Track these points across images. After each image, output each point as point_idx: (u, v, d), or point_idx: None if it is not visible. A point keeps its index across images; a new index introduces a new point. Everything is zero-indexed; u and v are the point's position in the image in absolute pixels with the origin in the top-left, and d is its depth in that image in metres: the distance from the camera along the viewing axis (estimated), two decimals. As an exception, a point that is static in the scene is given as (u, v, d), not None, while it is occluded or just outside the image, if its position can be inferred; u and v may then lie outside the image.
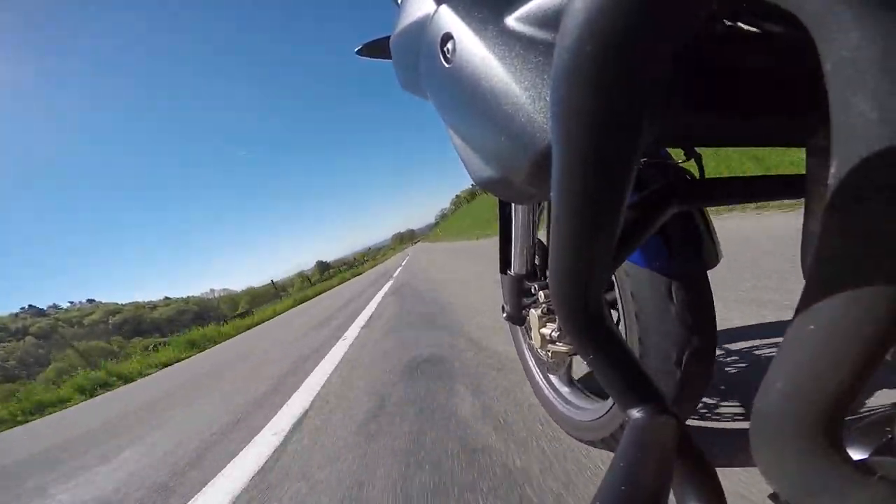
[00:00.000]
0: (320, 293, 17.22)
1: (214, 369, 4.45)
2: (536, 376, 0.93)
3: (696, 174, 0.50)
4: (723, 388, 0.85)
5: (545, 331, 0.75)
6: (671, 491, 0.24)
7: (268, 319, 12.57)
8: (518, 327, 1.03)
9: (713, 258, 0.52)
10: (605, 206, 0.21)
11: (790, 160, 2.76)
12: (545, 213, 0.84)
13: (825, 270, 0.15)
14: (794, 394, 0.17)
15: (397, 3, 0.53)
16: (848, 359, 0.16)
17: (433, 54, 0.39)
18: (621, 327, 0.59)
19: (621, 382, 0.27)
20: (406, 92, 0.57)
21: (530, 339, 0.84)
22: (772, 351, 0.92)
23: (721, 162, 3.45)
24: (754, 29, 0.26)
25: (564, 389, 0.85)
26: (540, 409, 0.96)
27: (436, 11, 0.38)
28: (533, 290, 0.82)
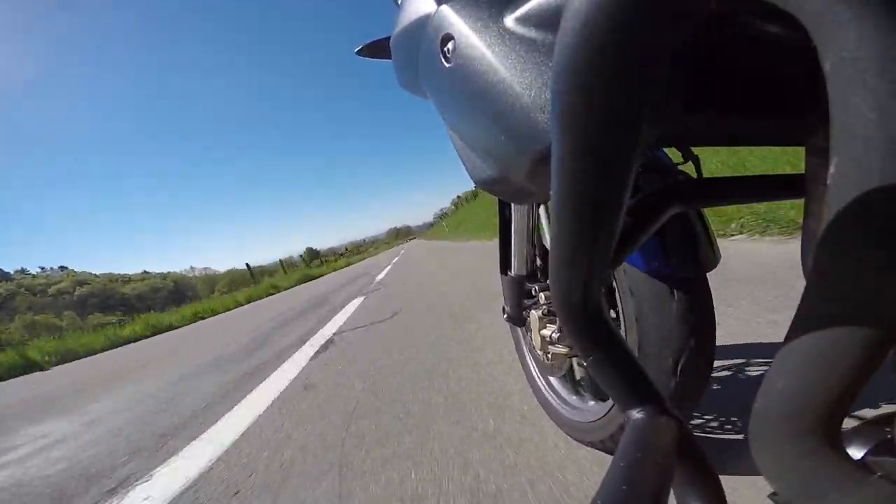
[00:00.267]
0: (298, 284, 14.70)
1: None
2: (536, 378, 0.93)
3: (694, 176, 0.50)
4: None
5: (545, 332, 0.75)
6: (671, 491, 0.24)
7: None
8: (518, 329, 1.03)
9: (712, 260, 0.53)
10: (604, 206, 0.21)
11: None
12: (544, 214, 0.84)
13: (825, 270, 0.15)
14: (794, 394, 0.17)
15: (397, 4, 0.53)
16: (848, 359, 0.16)
17: (433, 54, 0.39)
18: (621, 328, 0.59)
19: (621, 383, 0.27)
20: (406, 91, 0.57)
21: (530, 340, 0.84)
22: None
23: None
24: (754, 29, 0.26)
25: (564, 391, 0.85)
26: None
27: (436, 12, 0.38)
28: (533, 292, 0.82)
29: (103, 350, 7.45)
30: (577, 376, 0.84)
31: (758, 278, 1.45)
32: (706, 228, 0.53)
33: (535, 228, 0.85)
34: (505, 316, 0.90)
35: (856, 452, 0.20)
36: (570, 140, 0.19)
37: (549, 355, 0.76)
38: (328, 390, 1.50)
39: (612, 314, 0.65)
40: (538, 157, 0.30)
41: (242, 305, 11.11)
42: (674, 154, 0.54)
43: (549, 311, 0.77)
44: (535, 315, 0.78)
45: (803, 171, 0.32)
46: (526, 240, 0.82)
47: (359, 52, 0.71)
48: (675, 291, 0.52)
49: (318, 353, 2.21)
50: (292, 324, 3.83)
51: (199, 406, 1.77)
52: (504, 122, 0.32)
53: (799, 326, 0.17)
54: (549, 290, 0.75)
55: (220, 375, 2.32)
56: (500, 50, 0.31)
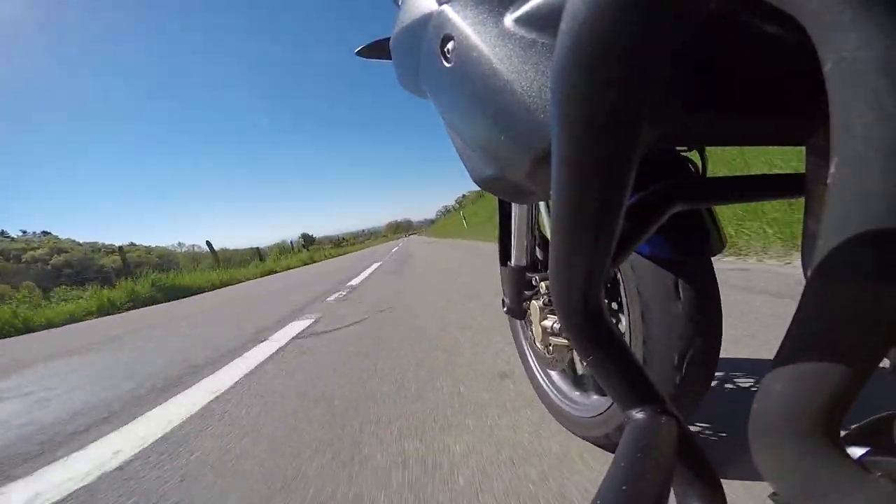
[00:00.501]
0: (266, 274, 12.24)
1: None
2: (536, 372, 0.92)
3: (699, 167, 0.50)
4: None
5: (547, 323, 0.74)
6: (672, 491, 0.24)
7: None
8: (517, 322, 1.02)
9: (717, 246, 0.52)
10: (604, 205, 0.21)
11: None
12: (544, 205, 0.84)
13: (825, 270, 0.15)
14: (794, 394, 0.17)
15: (397, 4, 0.53)
16: (847, 359, 0.16)
17: (433, 55, 0.39)
18: (623, 320, 0.59)
19: (621, 383, 0.27)
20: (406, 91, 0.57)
21: (530, 333, 0.83)
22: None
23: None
24: (754, 29, 0.26)
25: (564, 385, 0.85)
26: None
27: (436, 12, 0.38)
28: (534, 282, 0.82)
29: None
30: (578, 371, 0.84)
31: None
32: (711, 212, 0.53)
33: (535, 218, 0.85)
34: (504, 308, 0.90)
35: (856, 452, 0.20)
36: (570, 140, 0.19)
37: (551, 347, 0.75)
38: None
39: (615, 306, 0.65)
40: (538, 157, 0.30)
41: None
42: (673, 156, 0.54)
43: (550, 300, 0.77)
44: (535, 305, 0.78)
45: (803, 171, 0.32)
46: (526, 230, 0.81)
47: (359, 53, 0.71)
48: (679, 276, 0.52)
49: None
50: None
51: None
52: (504, 121, 0.32)
53: (799, 327, 0.17)
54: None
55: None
56: (500, 50, 0.31)
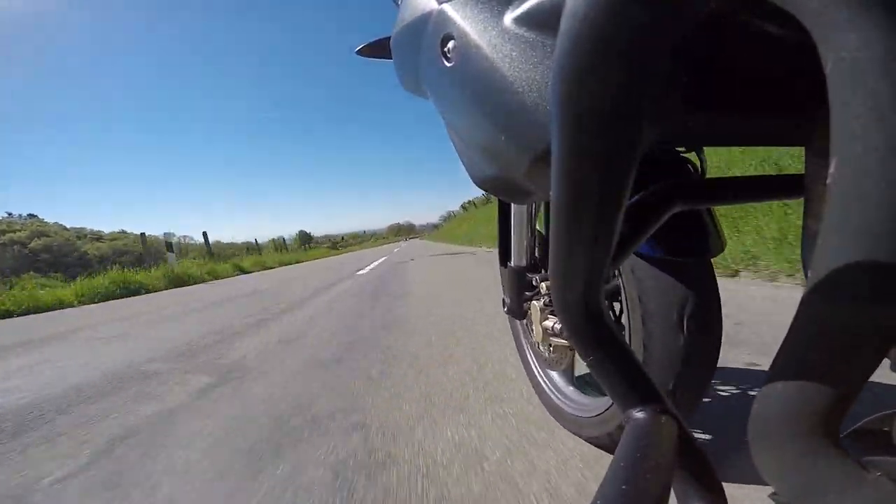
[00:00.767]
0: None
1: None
2: (536, 373, 0.92)
3: (699, 167, 0.50)
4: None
5: (547, 323, 0.74)
6: (672, 491, 0.24)
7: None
8: (517, 323, 1.02)
9: (717, 246, 0.52)
10: (604, 205, 0.21)
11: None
12: (543, 205, 0.84)
13: (825, 270, 0.15)
14: (794, 394, 0.17)
15: (397, 3, 0.53)
16: (847, 358, 0.16)
17: (434, 54, 0.39)
18: (623, 317, 0.59)
19: (621, 383, 0.27)
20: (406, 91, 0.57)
21: (531, 333, 0.83)
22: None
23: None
24: (754, 29, 0.26)
25: (564, 386, 0.85)
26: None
27: (436, 11, 0.38)
28: (534, 283, 0.82)
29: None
30: (578, 371, 0.84)
31: None
32: (711, 213, 0.53)
33: (534, 219, 0.85)
34: (505, 308, 0.90)
35: (856, 452, 0.20)
36: (570, 139, 0.19)
37: (551, 347, 0.75)
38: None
39: (614, 312, 0.65)
40: (538, 157, 0.30)
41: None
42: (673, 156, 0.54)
43: (550, 301, 0.77)
44: (536, 306, 0.78)
45: (803, 172, 0.32)
46: (526, 230, 0.81)
47: (359, 52, 0.71)
48: (679, 277, 0.52)
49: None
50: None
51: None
52: (504, 121, 0.32)
53: (799, 326, 0.17)
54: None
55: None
56: (500, 49, 0.31)
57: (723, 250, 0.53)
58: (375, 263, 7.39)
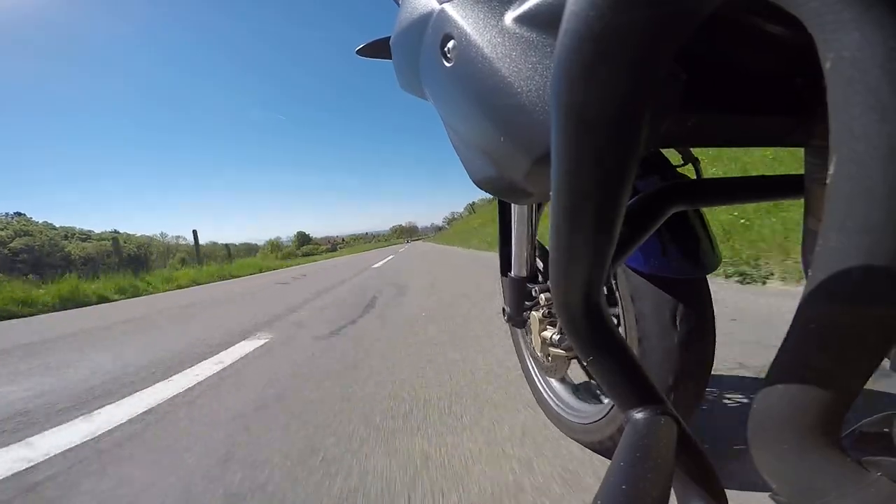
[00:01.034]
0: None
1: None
2: (536, 379, 0.93)
3: (694, 177, 0.50)
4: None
5: (546, 334, 0.75)
6: (672, 491, 0.24)
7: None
8: (518, 330, 1.03)
9: (712, 262, 0.53)
10: (604, 206, 0.21)
11: None
12: (544, 216, 0.84)
13: (825, 270, 0.15)
14: (794, 393, 0.17)
15: (397, 3, 0.53)
16: (847, 358, 0.16)
17: (434, 54, 0.39)
18: (621, 329, 0.59)
19: (621, 383, 0.27)
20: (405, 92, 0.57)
21: (530, 342, 0.84)
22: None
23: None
24: (754, 29, 0.26)
25: (564, 393, 0.85)
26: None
27: (436, 12, 0.38)
28: (534, 293, 0.82)
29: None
30: (577, 378, 0.84)
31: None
32: (706, 229, 0.54)
33: (535, 229, 0.85)
34: (505, 317, 0.90)
35: (856, 452, 0.20)
36: (570, 140, 0.19)
37: (550, 357, 0.76)
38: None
39: (612, 314, 0.65)
40: (538, 157, 0.30)
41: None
42: (673, 156, 0.54)
43: (549, 312, 0.77)
44: (535, 316, 0.78)
45: (803, 172, 0.32)
46: (526, 241, 0.82)
47: (359, 52, 0.71)
48: (675, 292, 0.52)
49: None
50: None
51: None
52: (504, 121, 0.32)
53: (799, 326, 0.17)
54: (549, 291, 0.75)
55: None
56: (500, 50, 0.31)
57: (717, 267, 0.53)
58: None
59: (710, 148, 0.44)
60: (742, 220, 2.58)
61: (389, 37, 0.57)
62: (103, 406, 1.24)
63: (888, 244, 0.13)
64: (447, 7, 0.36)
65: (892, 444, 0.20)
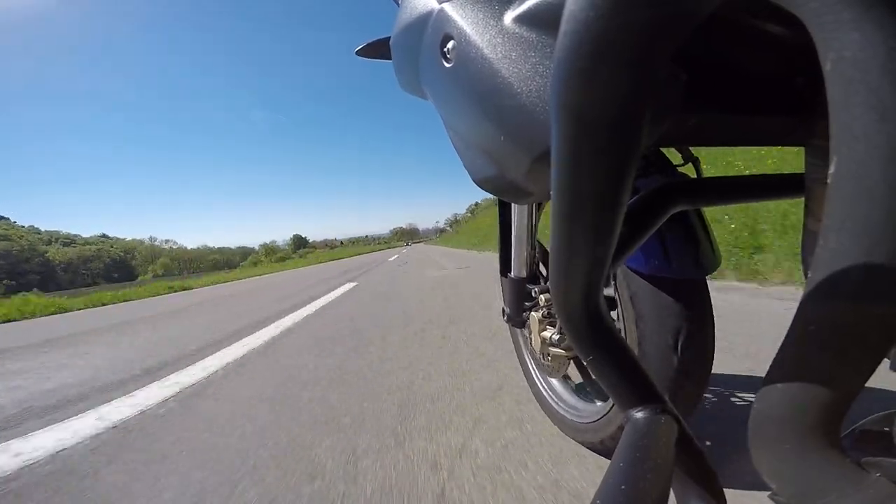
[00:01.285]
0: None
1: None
2: (536, 379, 0.93)
3: (694, 177, 0.50)
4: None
5: (546, 334, 0.75)
6: (671, 491, 0.24)
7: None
8: (518, 330, 1.03)
9: (712, 262, 0.53)
10: (604, 205, 0.21)
11: None
12: (544, 217, 0.84)
13: (825, 270, 0.15)
14: (794, 393, 0.17)
15: (397, 3, 0.52)
16: (847, 358, 0.16)
17: (433, 54, 0.39)
18: (621, 329, 0.59)
19: (621, 383, 0.27)
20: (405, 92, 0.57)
21: (530, 342, 0.84)
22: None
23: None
24: (754, 29, 0.26)
25: (564, 392, 0.85)
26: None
27: (436, 12, 0.38)
28: (533, 294, 0.82)
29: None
30: (577, 378, 0.84)
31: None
32: (706, 230, 0.54)
33: (535, 230, 0.85)
34: (505, 317, 0.90)
35: (855, 452, 0.20)
36: (570, 140, 0.19)
37: (549, 357, 0.76)
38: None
39: (612, 315, 0.65)
40: (538, 157, 0.30)
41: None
42: (673, 155, 0.54)
43: (549, 312, 0.77)
44: (535, 317, 0.78)
45: (803, 171, 0.32)
46: (526, 241, 0.82)
47: (359, 52, 0.71)
48: (675, 293, 0.52)
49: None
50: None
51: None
52: (504, 121, 0.32)
53: (799, 326, 0.17)
54: (549, 291, 0.75)
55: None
56: (500, 50, 0.31)
57: (717, 267, 0.53)
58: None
59: (708, 149, 0.44)
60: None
61: (389, 37, 0.57)
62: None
63: (888, 244, 0.13)
64: (447, 7, 0.36)
65: (892, 443, 0.20)
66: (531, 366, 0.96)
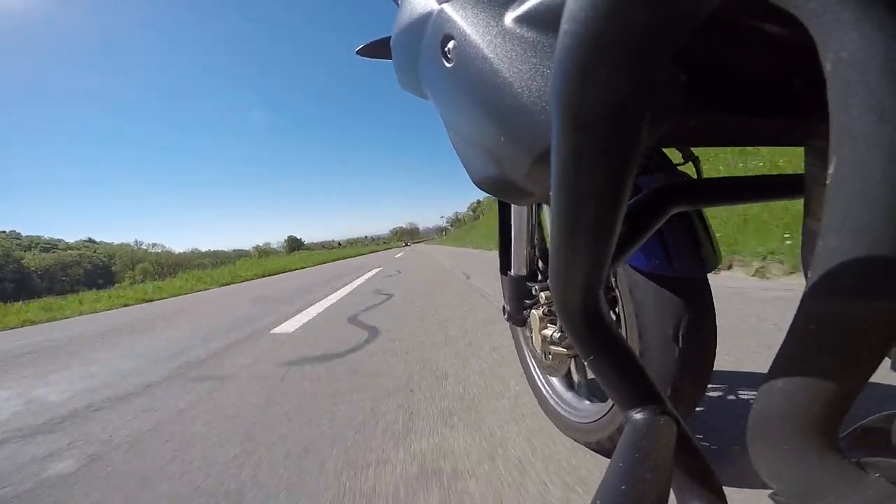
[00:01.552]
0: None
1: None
2: (536, 378, 0.93)
3: (694, 177, 0.50)
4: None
5: (546, 332, 0.75)
6: (671, 491, 0.24)
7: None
8: (518, 329, 1.03)
9: (713, 261, 0.53)
10: (604, 206, 0.21)
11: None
12: (545, 213, 0.84)
13: (825, 270, 0.15)
14: (794, 393, 0.17)
15: (397, 3, 0.52)
16: (847, 358, 0.16)
17: (434, 54, 0.39)
18: (621, 329, 0.59)
19: (621, 383, 0.27)
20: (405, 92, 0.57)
21: (531, 340, 0.84)
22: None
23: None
24: (754, 29, 0.26)
25: (564, 391, 0.85)
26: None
27: (436, 12, 0.38)
28: (534, 292, 0.82)
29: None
30: (577, 377, 0.84)
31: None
32: (707, 228, 0.54)
33: (535, 228, 0.85)
34: (505, 316, 0.90)
35: (855, 452, 0.20)
36: (570, 140, 0.19)
37: (550, 355, 0.76)
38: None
39: (612, 315, 0.65)
40: (538, 157, 0.30)
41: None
42: (674, 155, 0.54)
43: (549, 310, 0.77)
44: (535, 315, 0.78)
45: (803, 171, 0.32)
46: (526, 240, 0.82)
47: (359, 52, 0.71)
48: (675, 291, 0.52)
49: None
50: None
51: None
52: (504, 122, 0.32)
53: (799, 326, 0.17)
54: (549, 289, 0.75)
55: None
56: (500, 50, 0.31)
57: (717, 266, 0.53)
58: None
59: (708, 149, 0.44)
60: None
61: (389, 37, 0.57)
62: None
63: (888, 244, 0.13)
64: (447, 7, 0.36)
65: (891, 444, 0.20)
66: (532, 364, 0.96)
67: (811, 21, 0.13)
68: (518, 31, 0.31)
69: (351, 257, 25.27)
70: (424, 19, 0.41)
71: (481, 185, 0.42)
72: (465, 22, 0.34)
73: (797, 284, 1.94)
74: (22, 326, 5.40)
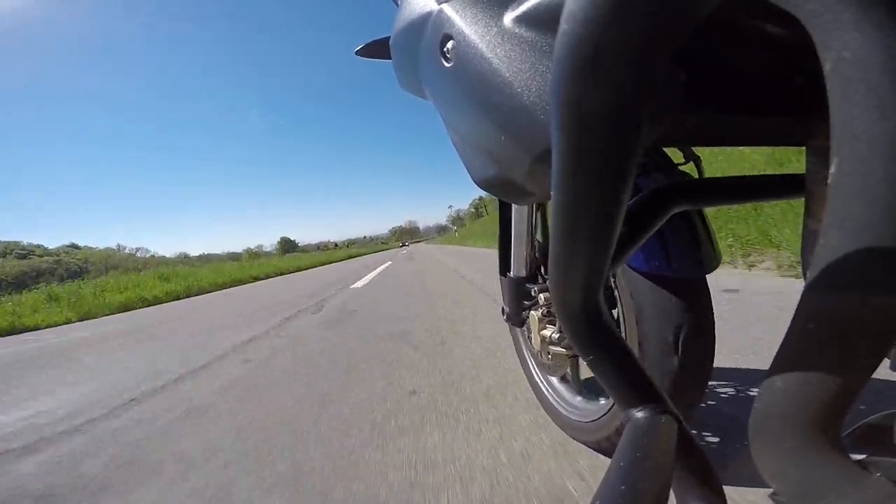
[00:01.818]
0: None
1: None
2: (537, 378, 0.93)
3: (695, 176, 0.50)
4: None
5: (546, 333, 0.75)
6: (671, 491, 0.24)
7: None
8: (518, 329, 1.03)
9: (712, 261, 0.53)
10: (604, 206, 0.21)
11: None
12: (548, 214, 0.84)
13: (825, 270, 0.15)
14: (794, 393, 0.17)
15: (397, 4, 0.52)
16: (848, 358, 0.16)
17: (433, 54, 0.39)
18: (621, 329, 0.59)
19: (621, 383, 0.27)
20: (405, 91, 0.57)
21: (530, 341, 0.84)
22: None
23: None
24: (754, 29, 0.26)
25: (564, 391, 0.85)
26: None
27: (436, 12, 0.38)
28: (533, 293, 0.82)
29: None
30: (577, 376, 0.84)
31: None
32: (707, 229, 0.53)
33: (535, 229, 0.85)
34: (504, 317, 0.90)
35: (856, 452, 0.20)
36: (570, 140, 0.19)
37: (549, 355, 0.76)
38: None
39: (612, 314, 0.65)
40: (538, 157, 0.30)
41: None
42: (675, 155, 0.54)
43: (548, 311, 0.77)
44: (534, 316, 0.78)
45: (803, 171, 0.32)
46: (526, 241, 0.82)
47: (358, 52, 0.71)
48: (675, 292, 0.52)
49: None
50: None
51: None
52: (504, 121, 0.32)
53: (799, 325, 0.17)
54: (548, 291, 0.75)
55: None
56: (500, 50, 0.31)
57: (717, 266, 0.53)
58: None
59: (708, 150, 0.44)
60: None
61: (389, 37, 0.57)
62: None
63: (889, 242, 0.13)
64: (446, 7, 0.36)
65: (891, 444, 0.20)
66: (531, 365, 0.96)
67: (810, 21, 0.13)
68: (517, 30, 0.31)
69: (342, 261, 21.46)
70: (424, 19, 0.41)
71: (482, 184, 0.42)
72: (464, 22, 0.34)
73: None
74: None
